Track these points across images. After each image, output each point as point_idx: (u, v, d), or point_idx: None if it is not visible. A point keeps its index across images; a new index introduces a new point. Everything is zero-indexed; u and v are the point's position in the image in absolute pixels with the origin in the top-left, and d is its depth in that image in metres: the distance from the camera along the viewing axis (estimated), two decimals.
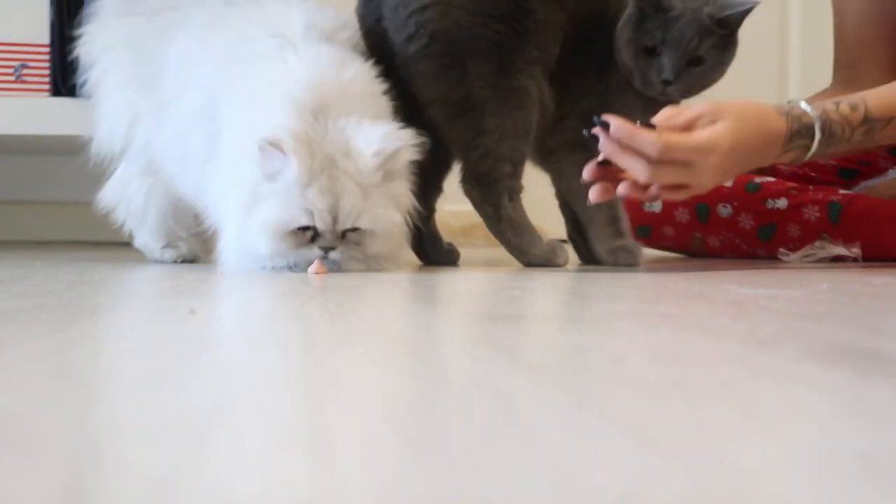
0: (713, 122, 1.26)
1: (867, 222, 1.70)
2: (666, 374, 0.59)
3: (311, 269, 1.28)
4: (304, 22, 1.39)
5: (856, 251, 1.64)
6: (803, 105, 1.35)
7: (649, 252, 1.88)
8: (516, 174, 1.47)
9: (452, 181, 1.54)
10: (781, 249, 1.72)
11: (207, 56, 1.44)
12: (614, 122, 1.22)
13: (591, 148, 1.29)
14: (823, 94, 1.69)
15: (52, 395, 0.51)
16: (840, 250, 1.65)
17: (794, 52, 2.98)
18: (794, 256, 1.69)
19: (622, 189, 1.27)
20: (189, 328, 0.79)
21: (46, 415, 0.46)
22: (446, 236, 1.62)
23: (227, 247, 1.34)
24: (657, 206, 1.80)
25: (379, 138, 1.30)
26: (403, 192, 1.34)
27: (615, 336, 0.75)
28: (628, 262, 1.48)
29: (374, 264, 1.32)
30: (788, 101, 1.37)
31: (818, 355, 0.66)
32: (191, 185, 1.46)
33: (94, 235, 1.90)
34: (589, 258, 1.57)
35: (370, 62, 1.41)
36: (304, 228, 1.28)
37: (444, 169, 1.54)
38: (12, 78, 2.07)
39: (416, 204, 1.37)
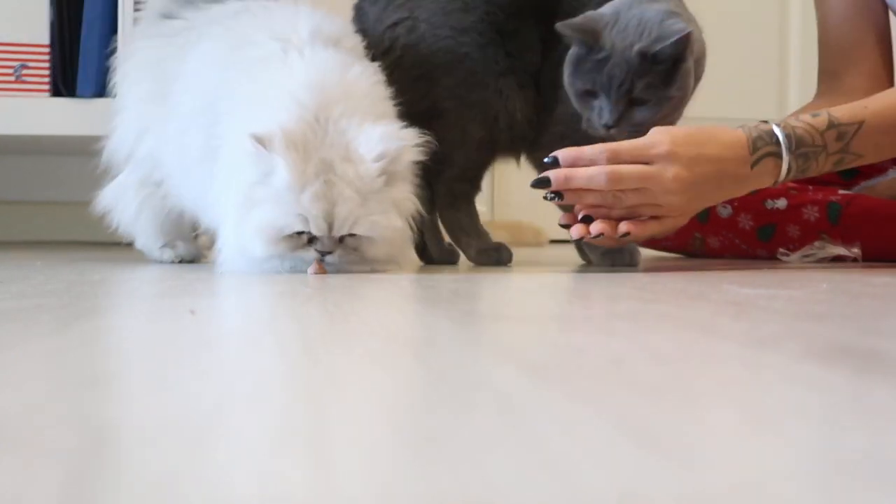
0: (658, 131, 1.32)
1: (867, 222, 1.70)
2: (666, 374, 0.59)
3: (310, 269, 1.28)
4: (311, 27, 1.40)
5: (855, 251, 1.64)
6: (754, 121, 1.39)
7: (649, 252, 1.88)
8: (465, 178, 1.55)
9: None
10: (781, 249, 1.72)
11: (210, 59, 1.44)
12: (561, 152, 1.29)
13: (578, 143, 1.34)
14: (808, 106, 1.69)
15: (52, 395, 0.51)
16: (840, 250, 1.65)
17: (794, 52, 2.98)
18: (793, 256, 1.69)
19: (595, 227, 1.32)
20: (189, 328, 0.79)
21: (46, 415, 0.46)
22: (445, 236, 1.62)
23: (225, 247, 1.34)
24: None
25: (380, 140, 1.28)
26: (405, 195, 1.32)
27: (615, 336, 0.75)
28: (625, 263, 1.49)
29: (373, 267, 1.31)
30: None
31: (818, 355, 0.66)
32: (188, 187, 1.46)
33: (94, 235, 1.90)
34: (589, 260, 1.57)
35: (375, 65, 1.42)
36: (300, 233, 1.27)
37: None
38: (12, 78, 2.07)
39: (420, 207, 1.37)
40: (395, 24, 1.51)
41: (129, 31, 1.95)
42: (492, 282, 1.25)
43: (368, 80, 1.38)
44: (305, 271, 1.28)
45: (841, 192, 1.74)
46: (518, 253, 1.64)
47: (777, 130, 1.35)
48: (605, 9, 1.41)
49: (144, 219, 1.57)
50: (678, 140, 1.30)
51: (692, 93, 1.45)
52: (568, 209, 1.39)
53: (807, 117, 1.38)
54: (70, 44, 2.06)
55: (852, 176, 1.81)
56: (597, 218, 1.32)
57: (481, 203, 1.67)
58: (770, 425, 0.45)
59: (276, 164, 1.25)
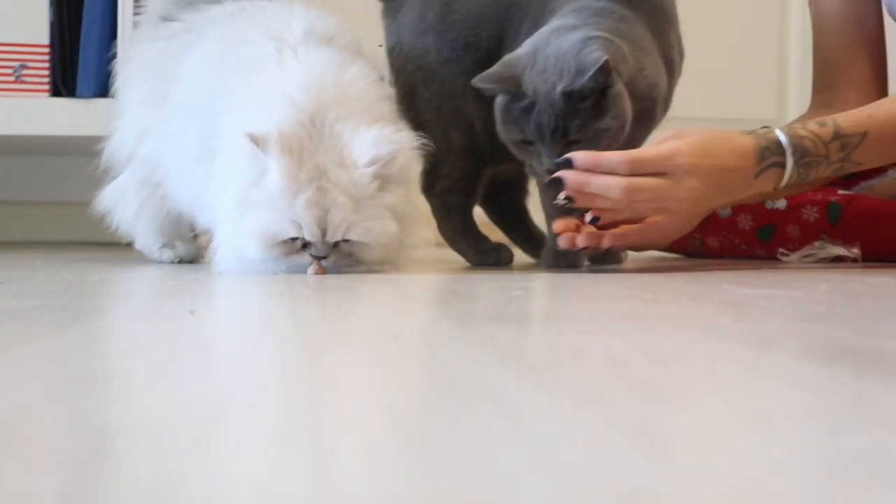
0: (676, 137, 1.29)
1: (866, 223, 1.70)
2: (666, 374, 0.59)
3: (310, 269, 1.28)
4: (304, 26, 1.39)
5: (855, 251, 1.64)
6: (761, 126, 1.37)
7: (649, 253, 1.88)
8: (457, 190, 1.56)
9: None
10: (781, 250, 1.72)
11: (206, 59, 1.44)
12: (578, 155, 1.26)
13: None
14: (801, 118, 1.68)
15: (52, 395, 0.51)
16: (839, 251, 1.65)
17: (795, 52, 2.98)
18: (793, 257, 1.69)
19: (580, 241, 1.32)
20: (188, 328, 0.79)
21: (46, 415, 0.46)
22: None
23: (221, 248, 1.33)
24: None
25: (373, 145, 1.27)
26: (401, 199, 1.31)
27: (615, 336, 0.75)
28: (611, 262, 1.49)
29: (369, 268, 1.31)
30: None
31: (818, 355, 0.66)
32: (186, 187, 1.46)
33: (94, 235, 1.90)
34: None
35: (371, 65, 1.42)
36: (295, 238, 1.26)
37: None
38: (12, 78, 2.07)
39: (416, 207, 1.37)
40: (391, 50, 1.59)
41: (129, 31, 1.95)
42: (491, 282, 1.25)
43: (365, 79, 1.37)
44: (300, 271, 1.28)
45: (840, 192, 1.74)
46: (518, 253, 1.64)
47: (784, 140, 1.34)
48: (524, 48, 1.38)
49: (144, 219, 1.57)
50: (697, 152, 1.29)
51: (664, 101, 1.45)
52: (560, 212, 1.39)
53: (814, 126, 1.37)
54: (70, 44, 2.06)
55: (852, 176, 1.81)
56: (604, 220, 1.32)
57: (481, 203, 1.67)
58: (770, 425, 0.45)
59: (270, 167, 1.24)
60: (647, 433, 0.43)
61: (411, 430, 0.44)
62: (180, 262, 1.58)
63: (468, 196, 1.59)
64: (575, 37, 1.34)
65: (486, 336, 0.74)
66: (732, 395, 0.52)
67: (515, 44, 1.46)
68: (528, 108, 1.33)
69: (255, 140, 1.24)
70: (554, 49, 1.34)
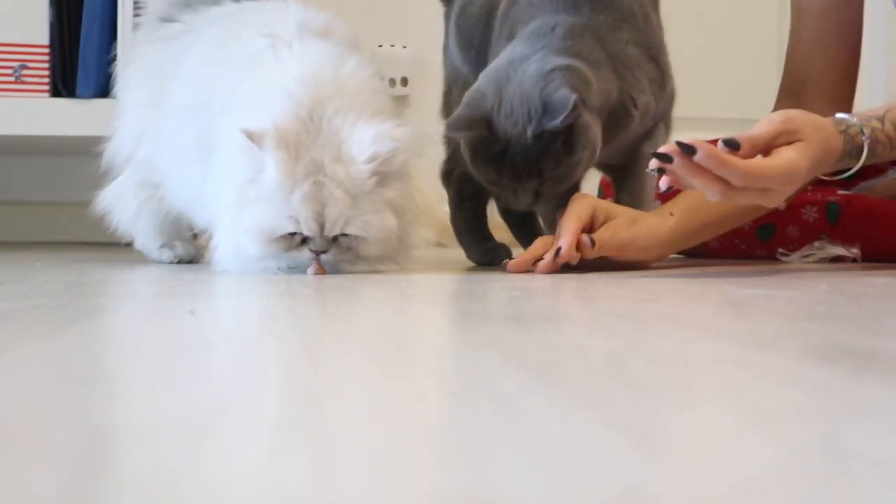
0: (789, 142, 1.24)
1: (866, 223, 1.70)
2: (666, 374, 0.59)
3: (310, 270, 1.27)
4: (298, 21, 1.39)
5: (855, 251, 1.64)
6: (854, 121, 1.33)
7: None
8: (471, 178, 1.51)
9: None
10: (780, 250, 1.72)
11: (203, 59, 1.45)
12: (702, 149, 1.17)
13: None
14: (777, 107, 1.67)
15: (52, 395, 0.51)
16: (839, 251, 1.65)
17: None
18: (793, 257, 1.69)
19: (541, 266, 1.33)
20: (188, 328, 0.79)
21: (46, 415, 0.46)
22: (444, 237, 1.63)
23: (220, 246, 1.33)
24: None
25: (373, 142, 1.26)
26: (400, 194, 1.31)
27: (615, 336, 0.75)
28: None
29: (369, 266, 1.30)
30: (835, 116, 1.33)
31: (818, 355, 0.66)
32: (184, 187, 1.46)
33: (93, 236, 1.90)
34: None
35: (369, 57, 1.42)
36: (294, 233, 1.26)
37: None
38: (12, 78, 2.07)
39: (416, 202, 1.37)
40: (444, 47, 1.66)
41: (129, 32, 1.95)
42: (491, 282, 1.25)
43: (363, 73, 1.36)
44: (300, 270, 1.28)
45: (840, 192, 1.74)
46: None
47: (866, 146, 1.33)
48: (486, 84, 1.36)
49: (143, 219, 1.57)
50: (813, 168, 1.26)
51: (661, 85, 1.45)
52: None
53: (891, 128, 1.33)
54: (69, 44, 2.06)
55: (852, 176, 1.81)
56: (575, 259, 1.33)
57: None
58: (769, 425, 0.45)
59: (267, 162, 1.24)
60: (647, 433, 0.43)
61: (411, 429, 0.44)
62: (179, 262, 1.59)
63: (481, 188, 1.57)
64: (534, 70, 1.32)
65: (487, 336, 0.74)
66: (732, 396, 0.52)
67: (492, 52, 1.47)
68: (501, 152, 1.32)
69: (251, 136, 1.24)
70: (517, 86, 1.32)
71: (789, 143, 1.24)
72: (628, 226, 1.40)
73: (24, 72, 2.07)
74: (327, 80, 1.31)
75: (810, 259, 1.67)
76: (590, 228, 1.38)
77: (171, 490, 0.34)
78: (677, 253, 1.88)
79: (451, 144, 1.56)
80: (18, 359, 0.63)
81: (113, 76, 1.75)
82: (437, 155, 1.60)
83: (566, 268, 1.34)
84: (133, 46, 1.63)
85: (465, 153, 1.37)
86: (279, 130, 1.24)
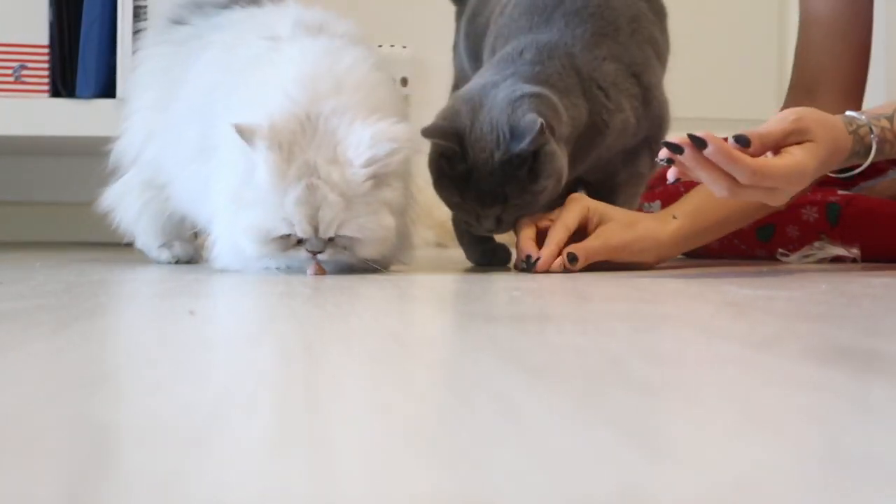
0: (800, 142, 1.24)
1: (866, 223, 1.70)
2: (666, 374, 0.59)
3: (309, 270, 1.28)
4: (293, 19, 1.40)
5: (854, 252, 1.64)
6: (863, 120, 1.32)
7: None
8: None
9: None
10: (780, 250, 1.72)
11: (209, 64, 1.45)
12: (712, 143, 1.17)
13: None
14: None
15: (52, 395, 0.51)
16: (839, 251, 1.65)
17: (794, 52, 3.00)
18: (792, 257, 1.69)
19: (553, 264, 1.34)
20: (188, 329, 0.79)
21: (46, 415, 0.46)
22: (444, 237, 1.63)
23: (218, 244, 1.34)
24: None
25: (370, 145, 1.25)
26: (398, 193, 1.30)
27: (614, 336, 0.75)
28: None
29: (371, 265, 1.30)
30: (845, 114, 1.33)
31: (818, 355, 0.66)
32: (185, 187, 1.46)
33: (93, 236, 1.90)
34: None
35: (368, 50, 1.41)
36: (289, 234, 1.26)
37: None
38: (11, 79, 2.07)
39: (413, 201, 1.36)
40: (454, 45, 1.71)
41: (129, 32, 1.96)
42: (491, 282, 1.25)
43: (361, 67, 1.35)
44: (299, 269, 1.28)
45: (840, 192, 1.74)
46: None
47: (874, 146, 1.33)
48: (461, 104, 1.36)
49: (146, 219, 1.57)
50: (820, 168, 1.26)
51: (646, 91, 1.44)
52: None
53: None
54: (69, 45, 2.06)
55: (852, 177, 1.81)
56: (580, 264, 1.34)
57: None
58: (769, 425, 0.45)
59: (258, 162, 1.24)
60: (647, 433, 0.43)
61: (411, 430, 0.44)
62: (177, 261, 1.59)
63: None
64: (503, 97, 1.33)
65: (486, 336, 0.74)
66: (731, 396, 0.52)
67: (482, 61, 1.48)
68: (466, 174, 1.33)
69: (242, 131, 1.24)
70: (487, 112, 1.33)
71: (799, 143, 1.23)
72: (623, 230, 1.39)
73: (24, 72, 2.07)
74: (324, 77, 1.30)
75: (810, 259, 1.67)
76: (583, 232, 1.38)
77: (171, 490, 0.34)
78: None
79: None
80: (19, 359, 0.63)
81: (112, 76, 1.75)
82: None
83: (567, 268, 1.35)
84: (142, 47, 1.63)
85: (432, 170, 1.37)
86: (274, 130, 1.24)
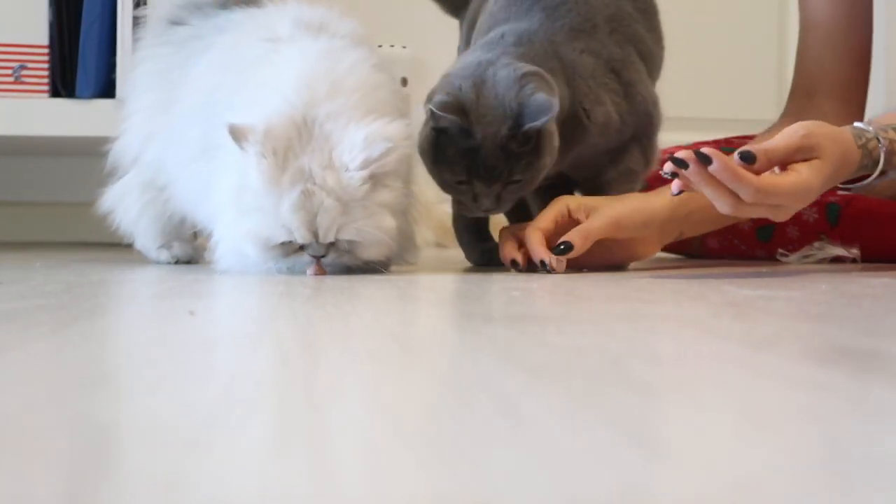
0: (807, 159, 1.23)
1: (866, 223, 1.70)
2: (666, 374, 0.59)
3: (309, 270, 1.27)
4: (293, 19, 1.39)
5: (854, 252, 1.64)
6: (871, 132, 1.31)
7: None
8: None
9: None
10: (780, 250, 1.72)
11: (210, 64, 1.45)
12: (717, 161, 1.16)
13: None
14: (778, 125, 1.66)
15: (52, 395, 0.51)
16: (839, 251, 1.65)
17: (794, 52, 3.00)
18: (792, 257, 1.69)
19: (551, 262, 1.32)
20: (188, 329, 0.79)
21: (46, 415, 0.46)
22: (444, 237, 1.63)
23: (220, 245, 1.33)
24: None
25: (364, 147, 1.24)
26: (397, 193, 1.29)
27: (614, 336, 0.75)
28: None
29: (374, 266, 1.29)
30: (854, 125, 1.32)
31: (818, 355, 0.66)
32: (187, 188, 1.46)
33: (93, 236, 1.90)
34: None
35: (370, 51, 1.40)
36: (290, 241, 1.26)
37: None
38: (11, 79, 2.07)
39: (415, 200, 1.36)
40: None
41: (129, 32, 1.95)
42: (491, 282, 1.25)
43: (360, 69, 1.33)
44: (300, 270, 1.28)
45: (840, 192, 1.74)
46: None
47: (882, 158, 1.32)
48: (461, 81, 1.34)
49: (146, 221, 1.57)
50: (825, 184, 1.26)
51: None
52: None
53: None
54: (69, 45, 2.06)
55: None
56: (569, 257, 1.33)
57: None
58: (769, 425, 0.45)
59: (251, 167, 1.24)
60: (647, 433, 0.43)
61: (411, 430, 0.44)
62: (177, 262, 1.59)
63: None
64: (505, 74, 1.32)
65: (486, 336, 0.74)
66: (731, 396, 0.52)
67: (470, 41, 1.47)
68: (472, 150, 1.31)
69: (234, 132, 1.23)
70: (491, 89, 1.32)
71: (806, 160, 1.22)
72: (616, 202, 1.37)
73: (24, 72, 2.07)
74: (321, 80, 1.29)
75: (810, 259, 1.67)
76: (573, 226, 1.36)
77: (171, 490, 0.34)
78: (676, 254, 1.89)
79: None
80: (18, 359, 0.63)
81: (112, 77, 1.75)
82: None
83: (568, 268, 1.34)
84: (141, 48, 1.62)
85: (429, 150, 1.34)
86: (269, 135, 1.23)
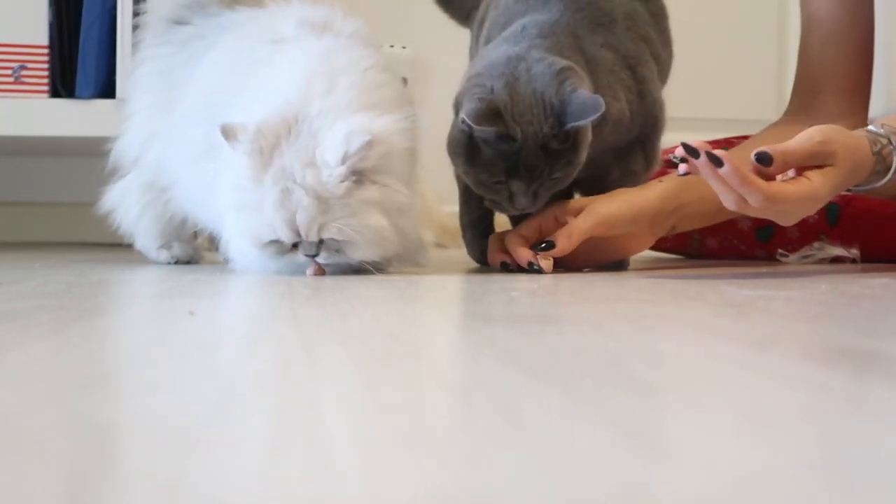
0: (821, 165, 1.22)
1: (865, 223, 1.70)
2: (665, 374, 0.59)
3: (309, 271, 1.27)
4: (297, 18, 1.39)
5: (854, 252, 1.64)
6: (884, 137, 1.30)
7: (647, 253, 1.88)
8: None
9: (446, 183, 1.56)
10: (780, 250, 1.72)
11: (213, 64, 1.45)
12: (728, 165, 1.15)
13: None
14: (781, 122, 1.66)
15: (52, 395, 0.51)
16: (838, 251, 1.65)
17: (794, 52, 3.01)
18: (792, 257, 1.69)
19: (544, 262, 1.33)
20: (188, 329, 0.79)
21: (46, 415, 0.46)
22: (444, 237, 1.62)
23: (231, 246, 1.33)
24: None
25: (343, 142, 1.22)
26: (386, 191, 1.26)
27: (614, 337, 0.75)
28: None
29: (374, 266, 1.28)
30: (869, 129, 1.32)
31: (818, 355, 0.66)
32: (189, 188, 1.46)
33: (93, 236, 1.90)
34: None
35: (374, 50, 1.40)
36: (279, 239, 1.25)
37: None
38: (11, 79, 2.07)
39: (409, 197, 1.35)
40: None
41: (129, 32, 1.95)
42: (491, 282, 1.25)
43: (359, 67, 1.32)
44: (301, 270, 1.28)
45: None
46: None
47: (893, 167, 1.31)
48: (492, 80, 1.31)
49: (146, 221, 1.57)
50: (834, 191, 1.25)
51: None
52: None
53: None
54: (69, 45, 2.06)
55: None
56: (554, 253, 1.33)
57: None
58: (769, 425, 0.45)
59: (239, 166, 1.24)
60: (647, 433, 0.43)
61: (411, 430, 0.44)
62: (177, 262, 1.59)
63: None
64: (541, 70, 1.30)
65: (486, 336, 0.74)
66: (731, 396, 0.52)
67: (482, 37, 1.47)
68: (510, 154, 1.29)
69: (225, 131, 1.23)
70: (526, 86, 1.30)
71: (819, 167, 1.22)
72: (607, 200, 1.37)
73: (24, 72, 2.07)
74: (319, 78, 1.28)
75: (810, 260, 1.67)
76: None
77: (171, 490, 0.34)
78: (675, 254, 1.89)
79: None
80: (18, 359, 0.63)
81: (112, 77, 1.75)
82: (434, 154, 1.56)
83: (566, 267, 1.35)
84: (143, 48, 1.62)
85: (462, 151, 1.32)
86: (258, 133, 1.23)
